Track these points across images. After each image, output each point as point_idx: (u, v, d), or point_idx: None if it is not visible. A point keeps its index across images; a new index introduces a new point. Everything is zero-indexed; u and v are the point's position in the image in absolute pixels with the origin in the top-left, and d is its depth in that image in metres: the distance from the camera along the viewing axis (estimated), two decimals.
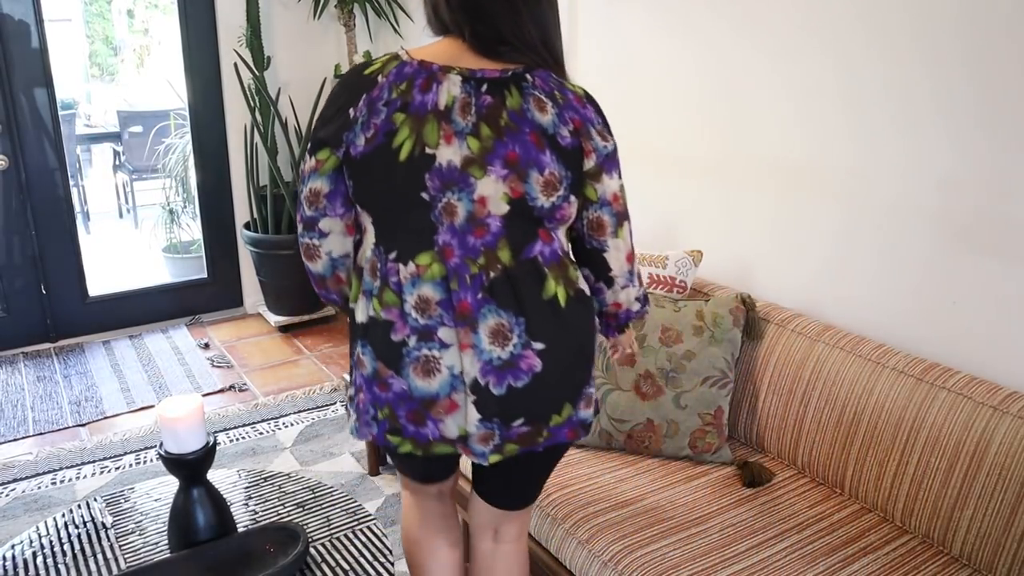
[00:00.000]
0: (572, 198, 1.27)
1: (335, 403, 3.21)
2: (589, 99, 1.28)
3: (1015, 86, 1.59)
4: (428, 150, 1.21)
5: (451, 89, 1.22)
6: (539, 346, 1.26)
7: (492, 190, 1.22)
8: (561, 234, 1.31)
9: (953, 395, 1.62)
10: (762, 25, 2.08)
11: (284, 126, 3.78)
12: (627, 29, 2.51)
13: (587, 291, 1.34)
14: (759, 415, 1.95)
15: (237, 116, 3.83)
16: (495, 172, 1.21)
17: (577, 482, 1.80)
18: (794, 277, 2.13)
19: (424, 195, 1.23)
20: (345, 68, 3.83)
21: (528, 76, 1.23)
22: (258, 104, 3.71)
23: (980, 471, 1.54)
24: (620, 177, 1.31)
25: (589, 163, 1.26)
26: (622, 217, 1.32)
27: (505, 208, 1.23)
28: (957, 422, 1.59)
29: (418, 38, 3.65)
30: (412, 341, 1.27)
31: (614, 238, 1.32)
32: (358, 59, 3.74)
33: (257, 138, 3.81)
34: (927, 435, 1.63)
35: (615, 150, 1.30)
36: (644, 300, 1.42)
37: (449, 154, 1.21)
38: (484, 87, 1.22)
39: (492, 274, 1.24)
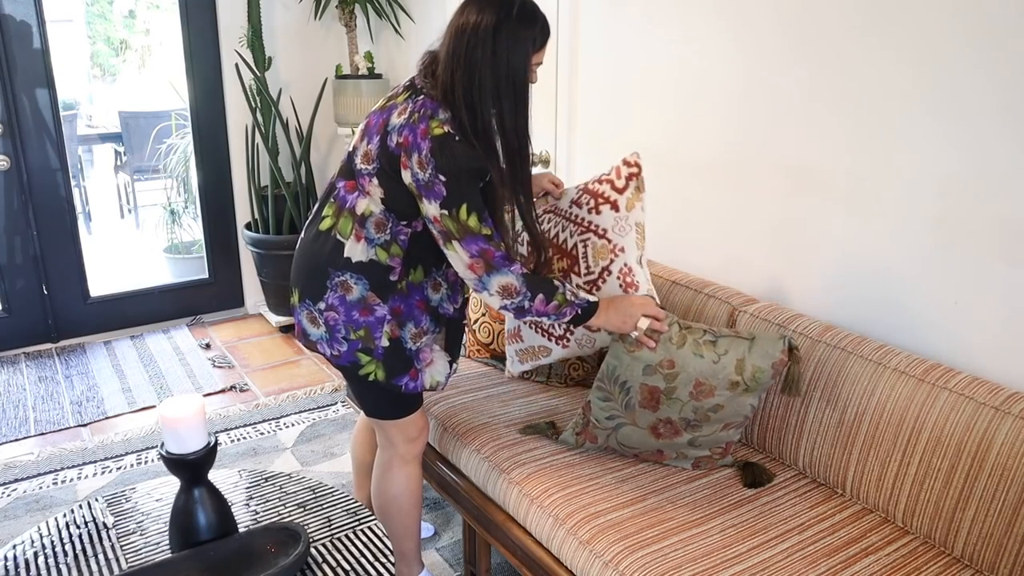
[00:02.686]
0: (375, 180, 1.67)
1: (336, 403, 3.21)
2: (435, 140, 1.58)
3: (1017, 85, 1.59)
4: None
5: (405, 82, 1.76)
6: (303, 234, 1.80)
7: (357, 131, 1.76)
8: (362, 200, 1.69)
9: (955, 396, 1.62)
10: (762, 28, 2.08)
11: (285, 127, 3.78)
12: (627, 32, 2.51)
13: (344, 244, 1.69)
14: (760, 416, 1.95)
15: (238, 116, 3.83)
16: (363, 123, 1.74)
17: (578, 482, 1.80)
18: (795, 277, 2.13)
19: None
20: (346, 69, 3.83)
21: (419, 96, 1.64)
22: (259, 104, 3.71)
23: (982, 472, 1.54)
24: (445, 208, 1.60)
25: (406, 176, 1.62)
26: (447, 236, 1.63)
27: (351, 147, 1.75)
28: (959, 423, 1.59)
29: (418, 39, 3.65)
30: None
31: (447, 249, 1.65)
32: (359, 60, 3.74)
33: (258, 138, 3.81)
34: (929, 436, 1.63)
35: (433, 184, 1.59)
36: (525, 312, 1.68)
37: (376, 104, 1.77)
38: (407, 82, 1.73)
39: (332, 180, 1.79)
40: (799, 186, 2.07)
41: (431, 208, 1.61)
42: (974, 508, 1.55)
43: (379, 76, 3.80)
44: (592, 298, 1.72)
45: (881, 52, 1.82)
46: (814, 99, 1.99)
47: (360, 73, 3.75)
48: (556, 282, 1.70)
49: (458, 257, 1.64)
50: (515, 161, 1.65)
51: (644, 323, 1.73)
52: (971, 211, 1.71)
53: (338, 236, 1.71)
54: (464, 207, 1.60)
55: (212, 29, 3.70)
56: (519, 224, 1.80)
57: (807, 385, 1.85)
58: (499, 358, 2.36)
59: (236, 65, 3.67)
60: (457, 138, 1.59)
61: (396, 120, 1.63)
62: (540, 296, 1.66)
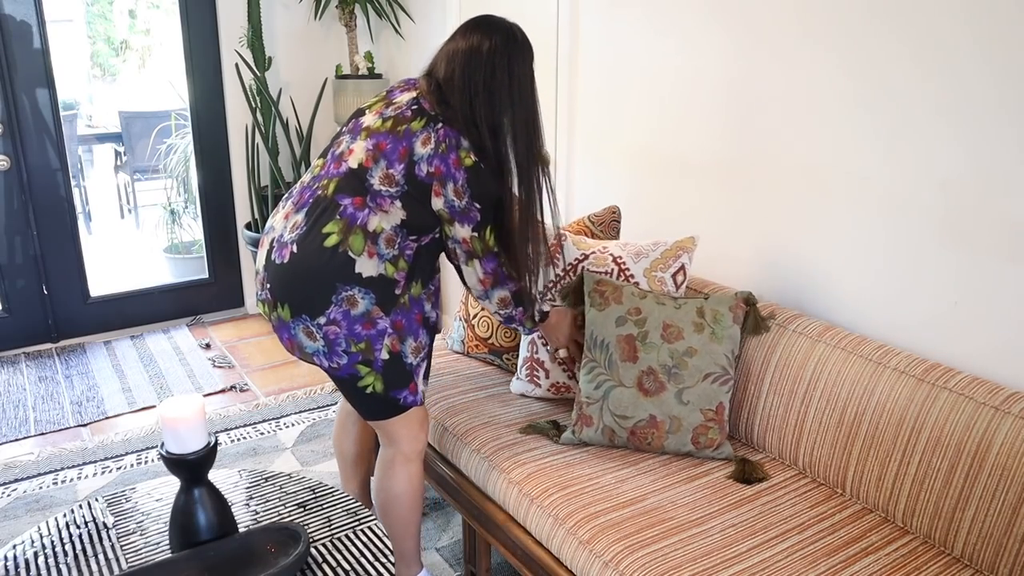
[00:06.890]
0: (398, 203, 1.72)
1: (336, 403, 3.21)
2: (469, 171, 1.71)
3: (1020, 85, 1.59)
4: (362, 115, 1.85)
5: (405, 97, 1.81)
6: (294, 249, 1.74)
7: (359, 149, 1.76)
8: (374, 217, 1.72)
9: (955, 395, 1.62)
10: (765, 26, 2.08)
11: (285, 126, 3.78)
12: (628, 32, 2.51)
13: (355, 260, 1.70)
14: (760, 416, 1.95)
15: (238, 116, 3.83)
16: (368, 143, 1.75)
17: (578, 482, 1.80)
18: (795, 277, 2.13)
19: (344, 135, 1.85)
20: (346, 69, 3.83)
21: (437, 124, 1.72)
22: (259, 104, 3.71)
23: (982, 472, 1.54)
24: (476, 231, 1.76)
25: (438, 202, 1.73)
26: (471, 255, 1.79)
27: (355, 164, 1.75)
28: (959, 423, 1.59)
29: (418, 39, 3.65)
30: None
31: (466, 266, 1.82)
32: (359, 60, 3.74)
33: (258, 138, 3.81)
34: (928, 435, 1.63)
35: (469, 210, 1.73)
36: (511, 320, 1.92)
37: (367, 120, 1.81)
38: (414, 106, 1.76)
39: (320, 192, 1.77)
40: (799, 185, 2.07)
41: (463, 231, 1.76)
42: (974, 508, 1.55)
43: (379, 76, 3.80)
44: (547, 308, 2.00)
45: (883, 50, 1.82)
46: (814, 98, 1.99)
47: (360, 73, 3.75)
48: (535, 293, 1.93)
49: (474, 272, 1.82)
50: (527, 176, 1.78)
51: (562, 353, 2.13)
52: (973, 211, 1.71)
53: (349, 253, 1.71)
54: (489, 228, 1.78)
55: (212, 29, 3.70)
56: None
57: (807, 384, 1.85)
58: (497, 353, 2.36)
59: (236, 65, 3.67)
60: (482, 165, 1.73)
61: (422, 150, 1.71)
62: (521, 308, 1.91)
